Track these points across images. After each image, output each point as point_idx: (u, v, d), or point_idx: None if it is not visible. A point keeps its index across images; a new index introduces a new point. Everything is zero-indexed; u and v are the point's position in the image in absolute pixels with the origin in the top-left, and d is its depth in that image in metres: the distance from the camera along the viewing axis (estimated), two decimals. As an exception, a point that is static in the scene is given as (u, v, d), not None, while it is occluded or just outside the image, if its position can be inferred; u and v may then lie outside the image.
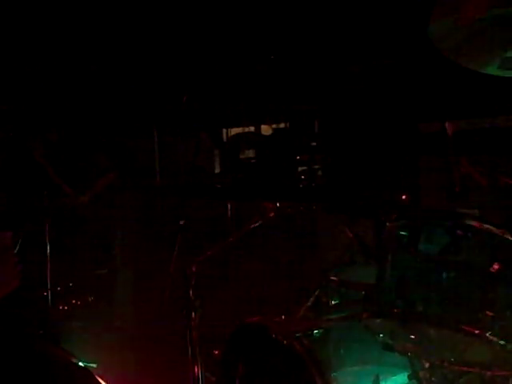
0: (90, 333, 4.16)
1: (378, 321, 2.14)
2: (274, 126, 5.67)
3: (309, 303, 2.72)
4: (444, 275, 1.99)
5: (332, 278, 2.72)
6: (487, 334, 1.92)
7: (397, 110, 3.89)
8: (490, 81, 2.18)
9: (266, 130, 5.72)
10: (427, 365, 2.10)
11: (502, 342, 1.93)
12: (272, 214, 2.37)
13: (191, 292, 2.39)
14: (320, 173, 5.09)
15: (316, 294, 2.73)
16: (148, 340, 4.10)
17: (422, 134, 3.38)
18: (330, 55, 4.40)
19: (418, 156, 3.40)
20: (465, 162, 2.08)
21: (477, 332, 1.92)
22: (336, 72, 4.42)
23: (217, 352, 2.59)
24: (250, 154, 5.90)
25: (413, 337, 2.09)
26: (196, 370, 2.48)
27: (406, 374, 2.20)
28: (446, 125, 2.02)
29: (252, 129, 5.74)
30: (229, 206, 4.83)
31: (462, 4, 2.00)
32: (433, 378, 2.10)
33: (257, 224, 2.41)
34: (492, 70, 2.14)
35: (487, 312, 1.92)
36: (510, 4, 1.94)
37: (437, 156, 3.00)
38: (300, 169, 5.20)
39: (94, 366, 3.04)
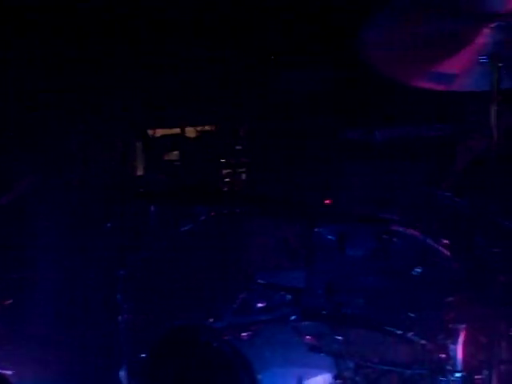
0: (5, 338, 4.04)
1: (306, 323, 2.20)
2: (199, 128, 5.67)
3: (235, 306, 2.75)
4: (369, 278, 2.07)
5: (258, 281, 2.76)
6: (409, 335, 2.01)
7: (321, 117, 3.98)
8: (414, 91, 2.26)
9: (190, 132, 5.71)
10: (352, 365, 2.17)
11: (422, 342, 2.02)
12: (202, 218, 2.39)
13: (119, 296, 2.37)
14: (244, 177, 5.13)
15: (242, 296, 2.76)
16: (72, 345, 4.02)
17: (347, 140, 3.48)
18: (260, 62, 4.45)
19: (343, 162, 3.49)
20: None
21: (399, 333, 2.01)
22: (263, 79, 4.48)
23: (144, 356, 2.57)
24: (174, 156, 5.87)
25: (339, 338, 2.16)
26: (123, 374, 2.47)
27: (330, 375, 2.26)
28: (375, 132, 2.10)
29: (177, 131, 5.72)
30: (152, 208, 4.79)
31: (399, 18, 2.04)
32: (357, 378, 2.18)
33: (186, 228, 2.42)
34: (419, 83, 2.21)
35: (409, 313, 2.01)
36: (444, 19, 1.99)
37: (362, 161, 3.09)
38: (224, 172, 5.22)
39: (10, 373, 2.97)
